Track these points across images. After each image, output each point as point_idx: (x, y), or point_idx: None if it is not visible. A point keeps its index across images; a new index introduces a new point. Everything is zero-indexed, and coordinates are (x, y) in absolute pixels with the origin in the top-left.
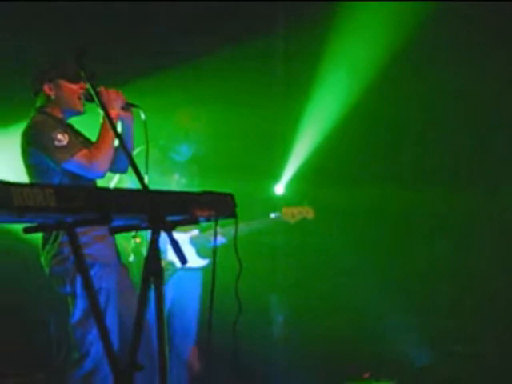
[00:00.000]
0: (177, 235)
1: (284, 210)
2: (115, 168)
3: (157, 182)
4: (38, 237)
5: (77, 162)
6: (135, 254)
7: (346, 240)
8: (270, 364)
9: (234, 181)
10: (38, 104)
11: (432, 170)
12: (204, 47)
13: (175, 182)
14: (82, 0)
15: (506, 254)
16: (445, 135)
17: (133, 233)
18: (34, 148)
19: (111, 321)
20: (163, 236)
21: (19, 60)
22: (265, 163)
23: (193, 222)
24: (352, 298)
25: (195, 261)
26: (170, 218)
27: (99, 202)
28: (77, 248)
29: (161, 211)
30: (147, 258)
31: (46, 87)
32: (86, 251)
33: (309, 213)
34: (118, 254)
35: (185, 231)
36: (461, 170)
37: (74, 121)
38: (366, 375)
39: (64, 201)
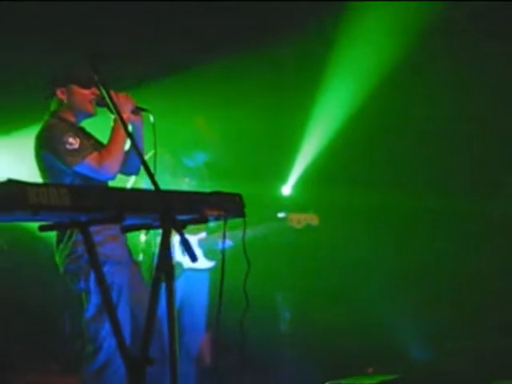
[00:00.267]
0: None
1: (291, 216)
2: (127, 170)
3: (168, 184)
4: (53, 235)
5: (87, 164)
6: (144, 254)
7: (351, 239)
8: (276, 358)
9: (242, 182)
10: (52, 108)
11: (434, 173)
12: (215, 54)
13: (186, 185)
14: (95, 5)
15: (505, 253)
16: (448, 138)
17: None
18: (47, 151)
19: (123, 315)
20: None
21: (34, 65)
22: (273, 165)
23: (202, 221)
24: (356, 295)
25: (203, 262)
26: (180, 217)
27: (112, 202)
28: (90, 246)
29: (171, 210)
30: (159, 256)
31: (58, 92)
32: (99, 250)
33: (313, 219)
34: (129, 252)
35: (193, 234)
36: (462, 172)
37: (86, 123)
38: (370, 370)
39: (78, 200)
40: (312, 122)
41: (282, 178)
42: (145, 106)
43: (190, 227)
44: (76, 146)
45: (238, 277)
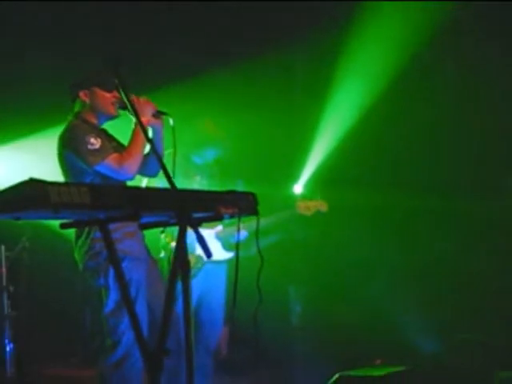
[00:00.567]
0: (203, 231)
1: (299, 203)
2: (146, 172)
3: (180, 183)
4: (73, 232)
5: (108, 164)
6: (165, 251)
7: (359, 236)
8: (288, 350)
9: (256, 181)
10: (75, 109)
11: (438, 175)
12: (226, 58)
13: (197, 183)
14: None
15: (505, 252)
16: (451, 140)
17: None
18: (69, 151)
19: (141, 310)
20: (192, 234)
21: (58, 68)
22: (285, 165)
23: (217, 218)
24: (364, 290)
25: (221, 254)
26: (196, 215)
27: (130, 200)
28: (109, 243)
29: (188, 208)
30: (175, 252)
31: (81, 94)
32: (117, 246)
33: (322, 205)
34: (147, 248)
35: (210, 227)
36: (464, 174)
37: (108, 126)
38: (378, 361)
39: (97, 198)
40: (323, 124)
41: (293, 177)
42: (164, 110)
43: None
44: (97, 146)
45: (253, 269)
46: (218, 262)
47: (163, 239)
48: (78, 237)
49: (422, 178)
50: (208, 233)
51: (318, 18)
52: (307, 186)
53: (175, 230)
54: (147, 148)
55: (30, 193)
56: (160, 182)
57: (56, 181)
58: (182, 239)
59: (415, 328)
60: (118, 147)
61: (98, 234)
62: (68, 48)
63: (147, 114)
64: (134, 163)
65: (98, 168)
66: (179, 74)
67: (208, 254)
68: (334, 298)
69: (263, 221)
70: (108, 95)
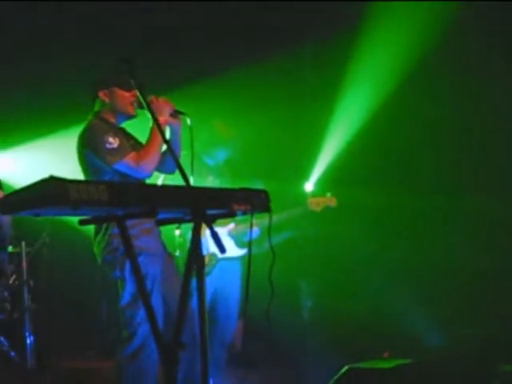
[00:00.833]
0: (216, 229)
1: (310, 199)
2: (164, 169)
3: (194, 183)
4: (91, 228)
5: (126, 163)
6: (180, 249)
7: (367, 234)
8: (299, 344)
9: (268, 179)
10: (95, 108)
11: (446, 173)
12: (238, 60)
13: (210, 183)
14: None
15: (509, 249)
16: (458, 140)
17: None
18: (88, 149)
19: (156, 303)
20: (206, 233)
21: (78, 70)
22: (296, 164)
23: (230, 215)
24: (373, 285)
25: (234, 251)
26: (210, 212)
27: (147, 197)
28: (126, 239)
29: (202, 206)
30: (190, 249)
31: (101, 94)
32: (134, 242)
33: (331, 201)
34: (163, 244)
35: (223, 225)
36: (472, 172)
37: (126, 125)
38: (386, 354)
39: (115, 196)
40: (332, 125)
41: (304, 175)
42: (183, 110)
43: (219, 220)
44: (115, 145)
45: (265, 265)
46: (232, 259)
47: (178, 238)
48: (96, 233)
49: (427, 177)
50: (221, 231)
51: (328, 21)
52: (317, 184)
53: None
54: (164, 146)
55: (49, 190)
56: (175, 179)
57: (75, 179)
58: (196, 235)
59: (421, 322)
60: (136, 146)
61: (116, 230)
62: (87, 49)
63: (165, 113)
64: (151, 162)
65: (116, 166)
66: (193, 76)
67: (222, 249)
68: (344, 294)
69: (275, 217)
70: (127, 95)
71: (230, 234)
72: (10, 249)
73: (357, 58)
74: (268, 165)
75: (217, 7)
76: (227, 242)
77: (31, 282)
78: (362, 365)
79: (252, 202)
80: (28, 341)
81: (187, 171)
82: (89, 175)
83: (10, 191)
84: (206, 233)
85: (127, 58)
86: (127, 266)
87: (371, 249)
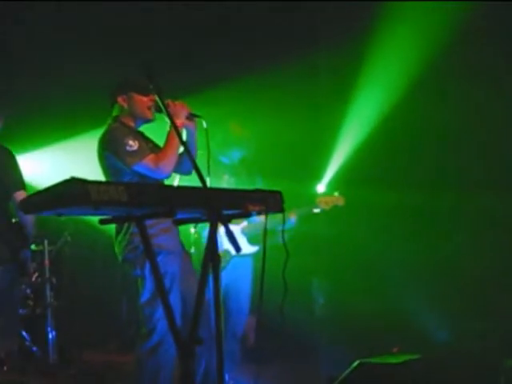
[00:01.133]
0: (230, 227)
1: (319, 198)
2: (180, 170)
3: (210, 181)
4: (112, 227)
5: (145, 165)
6: (195, 247)
7: (377, 232)
8: (311, 339)
9: (281, 180)
10: (114, 113)
11: (451, 174)
12: (254, 64)
13: (225, 182)
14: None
15: None
16: (466, 142)
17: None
18: (109, 152)
19: (175, 300)
20: (219, 231)
21: (97, 76)
22: (309, 166)
23: (245, 215)
24: (382, 283)
25: (247, 248)
26: (226, 212)
27: (165, 198)
28: (146, 238)
29: (218, 206)
30: (206, 246)
31: (120, 99)
32: (153, 241)
33: (339, 200)
34: (181, 243)
35: (236, 223)
36: (476, 174)
37: (144, 128)
38: (395, 350)
39: (134, 196)
40: (345, 127)
41: (317, 177)
42: (198, 113)
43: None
44: (135, 147)
45: (279, 262)
46: (244, 256)
47: (193, 235)
48: (118, 232)
49: (436, 177)
50: (234, 229)
51: (341, 27)
52: (330, 184)
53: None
54: (181, 148)
55: (71, 191)
56: (191, 180)
57: (96, 180)
58: (212, 234)
59: (429, 318)
60: (154, 148)
61: (136, 230)
62: (109, 55)
63: (182, 116)
64: (169, 163)
65: (135, 168)
66: (211, 80)
67: (237, 248)
68: (354, 291)
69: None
70: (145, 100)
71: (243, 232)
72: (33, 247)
73: (369, 63)
74: (282, 165)
75: (234, 13)
76: (240, 239)
77: (53, 280)
78: (372, 359)
79: (267, 202)
80: (50, 336)
81: (203, 172)
82: (109, 176)
83: (33, 192)
84: (220, 230)
85: (147, 63)
86: (147, 264)
87: (381, 247)
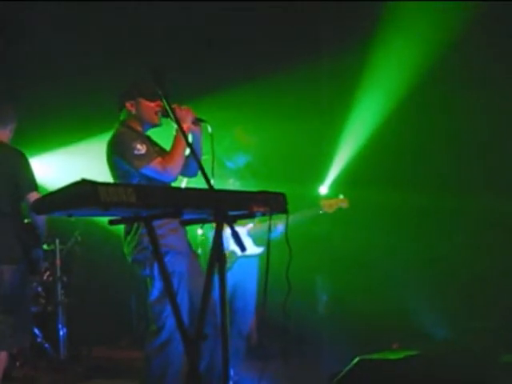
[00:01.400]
0: (236, 228)
1: (323, 201)
2: (186, 173)
3: (216, 184)
4: (121, 228)
5: (153, 168)
6: (202, 248)
7: (379, 232)
8: (315, 335)
9: (284, 182)
10: (122, 118)
11: (452, 176)
12: (257, 71)
13: (231, 185)
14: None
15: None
16: (467, 144)
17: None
18: (117, 155)
19: (182, 299)
20: (225, 232)
21: (107, 82)
22: (311, 168)
23: (250, 216)
24: (384, 281)
25: (252, 249)
26: (231, 213)
27: (172, 199)
28: (154, 238)
29: (224, 207)
30: (212, 247)
31: (128, 104)
32: (161, 242)
33: (343, 203)
34: (189, 243)
35: (242, 225)
36: (476, 176)
37: (151, 132)
38: (395, 346)
39: (142, 198)
40: (347, 131)
41: (319, 179)
42: (204, 118)
43: (239, 220)
44: (143, 151)
45: (283, 261)
46: (250, 256)
47: (200, 236)
48: (127, 233)
49: (437, 178)
50: (240, 230)
51: (343, 34)
52: (332, 187)
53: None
54: (187, 151)
55: (81, 192)
56: (198, 182)
57: (106, 181)
58: (218, 235)
59: (428, 316)
60: (161, 152)
61: (145, 231)
62: (118, 61)
63: (188, 121)
64: (176, 166)
65: (143, 171)
66: (217, 86)
67: (242, 248)
68: (357, 289)
69: (290, 217)
70: (152, 105)
71: (249, 233)
72: (45, 247)
73: (370, 67)
74: (285, 168)
75: (239, 20)
76: (246, 241)
77: (64, 278)
78: (372, 356)
79: (271, 204)
80: (61, 333)
81: (208, 175)
82: (118, 179)
83: (44, 193)
84: (226, 232)
85: (155, 68)
86: (156, 264)
87: (383, 247)
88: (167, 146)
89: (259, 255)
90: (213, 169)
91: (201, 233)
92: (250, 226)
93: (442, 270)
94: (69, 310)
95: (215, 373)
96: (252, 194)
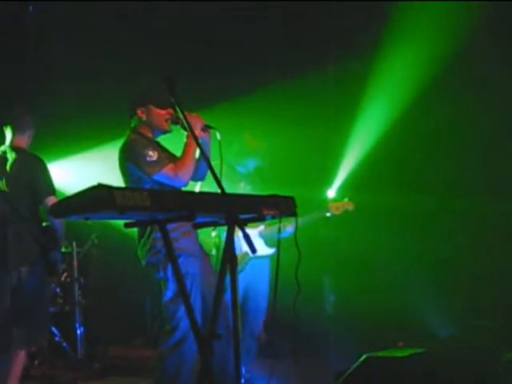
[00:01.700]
0: (248, 230)
1: (330, 204)
2: (194, 177)
3: (227, 188)
4: (135, 230)
5: (165, 174)
6: (216, 249)
7: (385, 234)
8: (323, 334)
9: (294, 186)
10: (133, 125)
11: (456, 180)
12: (266, 79)
13: (241, 189)
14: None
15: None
16: (470, 148)
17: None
18: (130, 162)
19: (195, 299)
20: (238, 234)
21: (120, 91)
22: (319, 172)
23: (261, 219)
24: (389, 281)
25: (264, 250)
26: (242, 216)
27: (185, 203)
28: (168, 240)
29: (235, 210)
30: (224, 249)
31: (139, 111)
32: (174, 245)
33: (349, 205)
34: (200, 245)
35: (254, 227)
36: (480, 179)
37: (160, 139)
38: (400, 343)
39: (157, 202)
40: (353, 136)
41: (327, 182)
42: (212, 124)
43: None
44: (155, 158)
45: (291, 266)
46: (261, 257)
47: (214, 238)
48: (140, 236)
49: (442, 182)
50: (252, 232)
51: (349, 43)
52: (339, 190)
53: (223, 230)
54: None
55: (98, 196)
56: (209, 187)
57: (121, 186)
58: (230, 237)
59: (433, 315)
60: (170, 157)
61: (159, 234)
62: (132, 68)
63: (197, 127)
64: (187, 172)
65: (156, 177)
66: (227, 92)
67: (253, 250)
68: (363, 289)
69: (299, 220)
70: (162, 112)
71: (260, 235)
72: (63, 249)
73: (377, 71)
74: (294, 172)
75: (248, 31)
76: (257, 242)
77: (81, 279)
78: (379, 353)
79: (280, 207)
80: (78, 332)
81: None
82: (130, 184)
83: (62, 197)
84: (239, 234)
85: (168, 77)
86: (169, 266)
87: (388, 249)
88: (173, 150)
89: (270, 256)
90: (221, 175)
91: (214, 234)
92: (261, 227)
93: (446, 271)
94: (86, 310)
95: (228, 370)
96: (262, 197)
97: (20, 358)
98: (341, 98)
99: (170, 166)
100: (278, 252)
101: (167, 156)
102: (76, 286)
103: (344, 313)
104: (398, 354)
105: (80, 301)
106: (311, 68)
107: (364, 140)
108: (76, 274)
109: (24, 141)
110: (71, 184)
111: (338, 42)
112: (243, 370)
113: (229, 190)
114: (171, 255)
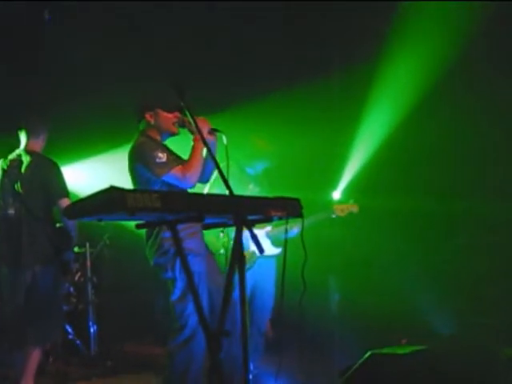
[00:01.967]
0: (255, 231)
1: (335, 206)
2: (200, 179)
3: (235, 190)
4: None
5: (173, 175)
6: (225, 248)
7: (389, 236)
8: (328, 333)
9: (300, 189)
10: (141, 128)
11: (460, 183)
12: (273, 83)
13: (250, 190)
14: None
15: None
16: (474, 155)
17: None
18: (139, 164)
19: (203, 297)
20: (246, 234)
21: (131, 96)
22: (325, 174)
23: (267, 220)
24: (393, 281)
25: (270, 250)
26: (250, 217)
27: (194, 204)
28: (177, 240)
29: (243, 212)
30: (233, 249)
31: (147, 115)
32: (181, 245)
33: (354, 207)
34: (206, 245)
35: (260, 228)
36: (481, 181)
37: (166, 142)
38: (404, 341)
39: (167, 203)
40: (358, 139)
41: (333, 185)
42: (219, 128)
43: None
44: (164, 159)
45: (297, 265)
46: (268, 257)
47: (222, 238)
48: (148, 237)
49: (445, 185)
50: (259, 232)
51: (353, 47)
52: (344, 193)
53: (232, 231)
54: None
55: (110, 198)
56: (217, 189)
57: (132, 188)
58: (238, 238)
59: (434, 313)
60: (178, 160)
61: (167, 234)
62: (142, 73)
63: (204, 131)
64: (195, 174)
65: (165, 178)
66: (236, 98)
67: (261, 250)
68: (367, 289)
69: (305, 221)
70: (170, 116)
71: (267, 235)
72: (76, 249)
73: (381, 77)
74: (300, 175)
75: (257, 36)
76: (264, 242)
77: (94, 279)
78: (383, 351)
79: (287, 208)
80: (91, 330)
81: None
82: (139, 186)
83: (75, 199)
84: (246, 233)
85: (177, 82)
86: (177, 266)
87: (392, 250)
88: (179, 152)
89: (277, 256)
90: (228, 176)
91: (222, 235)
92: (268, 228)
93: (448, 272)
94: (98, 308)
95: (236, 365)
96: (269, 199)
97: (35, 355)
98: (346, 102)
99: (179, 167)
100: (284, 252)
101: (175, 158)
102: (89, 286)
103: (348, 312)
104: (402, 351)
105: (93, 300)
106: (317, 73)
107: (368, 143)
108: (89, 274)
109: (38, 144)
110: (84, 186)
111: (343, 47)
112: (251, 366)
113: (238, 191)
114: (181, 254)
